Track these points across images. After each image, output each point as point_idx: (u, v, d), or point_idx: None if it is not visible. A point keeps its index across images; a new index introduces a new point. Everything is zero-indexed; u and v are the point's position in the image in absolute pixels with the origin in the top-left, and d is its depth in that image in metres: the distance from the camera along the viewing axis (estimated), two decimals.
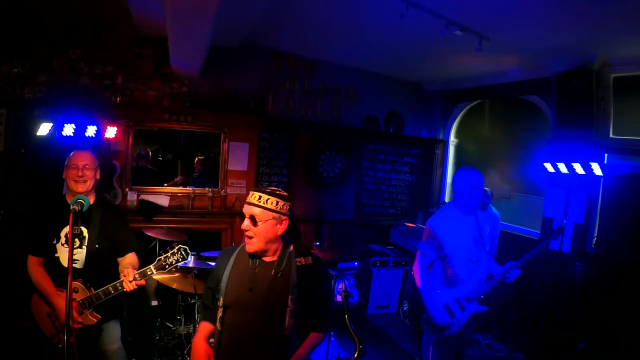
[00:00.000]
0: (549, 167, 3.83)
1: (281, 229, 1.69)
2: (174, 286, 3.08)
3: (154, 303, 4.04)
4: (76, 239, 2.21)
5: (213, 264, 3.08)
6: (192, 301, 3.04)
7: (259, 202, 1.66)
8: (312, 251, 1.87)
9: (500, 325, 4.34)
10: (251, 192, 1.71)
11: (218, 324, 1.71)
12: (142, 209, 4.31)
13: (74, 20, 3.96)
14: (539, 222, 4.36)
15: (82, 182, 2.23)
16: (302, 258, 1.76)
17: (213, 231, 4.64)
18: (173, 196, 4.54)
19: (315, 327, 1.80)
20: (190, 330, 3.36)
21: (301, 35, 4.35)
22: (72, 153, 2.29)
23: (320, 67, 5.19)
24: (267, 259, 1.74)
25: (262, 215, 1.65)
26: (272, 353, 1.68)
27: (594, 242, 3.82)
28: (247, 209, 1.68)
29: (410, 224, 5.54)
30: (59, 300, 2.16)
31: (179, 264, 2.11)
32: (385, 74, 5.61)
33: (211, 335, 1.80)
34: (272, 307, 1.67)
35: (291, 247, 1.78)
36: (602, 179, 3.76)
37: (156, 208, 4.39)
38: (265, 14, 3.59)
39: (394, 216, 5.89)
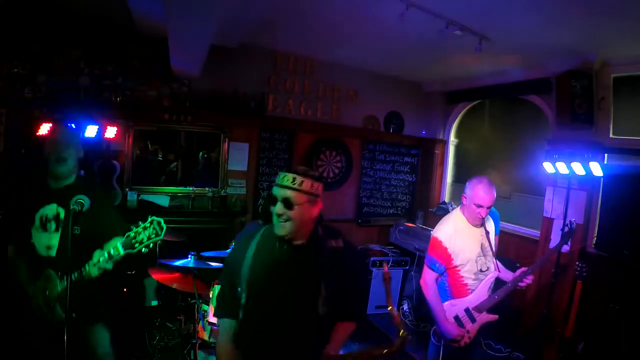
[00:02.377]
0: (549, 167, 3.83)
1: (315, 210, 1.58)
2: (174, 286, 3.08)
3: (154, 303, 4.04)
4: (52, 221, 1.98)
5: (213, 264, 3.09)
6: (192, 301, 3.03)
7: (293, 184, 1.53)
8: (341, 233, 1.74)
9: (500, 324, 4.33)
10: (282, 174, 1.56)
11: (240, 314, 1.58)
12: (142, 208, 4.31)
13: (74, 20, 3.97)
14: (539, 222, 4.36)
15: (62, 163, 2.01)
16: (332, 240, 1.64)
17: (213, 231, 4.64)
18: (173, 196, 4.54)
19: (349, 316, 1.68)
20: (190, 331, 3.36)
21: (301, 35, 4.35)
22: (51, 131, 2.11)
23: (320, 67, 5.19)
24: (295, 242, 1.59)
25: (297, 198, 1.52)
26: (302, 345, 1.55)
27: (594, 242, 3.82)
28: (280, 192, 1.54)
29: (410, 224, 5.55)
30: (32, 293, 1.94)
31: (152, 242, 1.79)
32: (385, 74, 5.61)
33: (234, 332, 1.64)
34: (303, 294, 1.55)
35: (320, 230, 1.64)
36: (602, 179, 3.76)
37: (156, 208, 4.40)
38: (265, 14, 3.59)
39: (394, 216, 5.89)
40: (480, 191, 2.42)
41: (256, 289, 1.56)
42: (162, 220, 1.78)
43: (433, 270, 2.44)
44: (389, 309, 1.68)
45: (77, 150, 2.12)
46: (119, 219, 2.19)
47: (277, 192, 1.55)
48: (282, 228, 1.54)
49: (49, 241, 1.96)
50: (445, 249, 2.40)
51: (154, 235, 1.76)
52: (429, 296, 2.43)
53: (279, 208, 1.53)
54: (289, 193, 1.52)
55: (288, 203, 1.52)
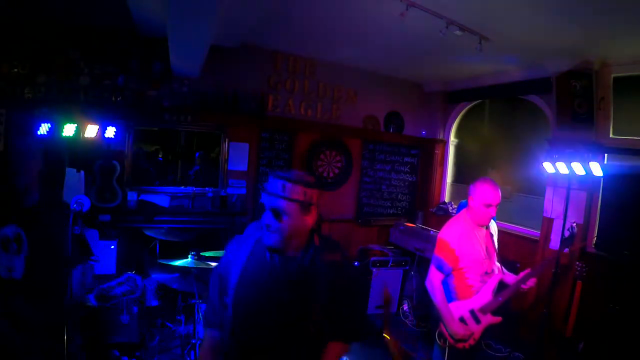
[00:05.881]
0: (549, 167, 3.83)
1: (309, 220, 1.43)
2: (174, 286, 3.08)
3: (154, 303, 4.03)
4: (13, 243, 1.86)
5: (213, 264, 3.09)
6: (192, 301, 3.04)
7: (283, 192, 1.37)
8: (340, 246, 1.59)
9: (500, 325, 4.33)
10: (272, 180, 1.40)
11: (226, 329, 1.47)
12: (142, 209, 4.32)
13: (74, 20, 3.96)
14: (539, 222, 4.36)
15: (14, 176, 1.91)
16: (329, 254, 1.48)
17: (213, 231, 4.64)
18: (173, 196, 4.54)
19: (341, 337, 1.52)
20: (190, 331, 3.36)
21: (301, 36, 4.35)
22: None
23: (320, 67, 5.19)
24: (287, 253, 1.46)
25: (286, 207, 1.38)
26: None
27: (594, 242, 3.82)
28: (269, 201, 1.39)
29: (410, 224, 5.55)
30: None
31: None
32: (385, 74, 5.61)
33: (219, 345, 1.54)
34: (294, 311, 1.43)
35: (316, 240, 1.48)
36: (602, 179, 3.76)
37: (156, 208, 4.40)
38: (265, 14, 3.59)
39: (394, 216, 5.89)
40: (487, 190, 2.45)
41: (242, 302, 1.45)
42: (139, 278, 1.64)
43: (440, 271, 2.45)
44: (385, 336, 1.60)
45: (35, 160, 1.94)
46: (85, 242, 2.10)
47: (266, 199, 1.41)
48: (269, 238, 1.41)
49: (9, 262, 1.84)
50: (453, 250, 2.41)
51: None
52: (436, 297, 2.44)
53: (266, 218, 1.40)
54: (278, 202, 1.38)
55: (276, 213, 1.39)
